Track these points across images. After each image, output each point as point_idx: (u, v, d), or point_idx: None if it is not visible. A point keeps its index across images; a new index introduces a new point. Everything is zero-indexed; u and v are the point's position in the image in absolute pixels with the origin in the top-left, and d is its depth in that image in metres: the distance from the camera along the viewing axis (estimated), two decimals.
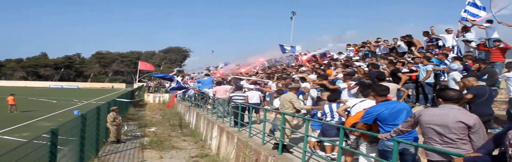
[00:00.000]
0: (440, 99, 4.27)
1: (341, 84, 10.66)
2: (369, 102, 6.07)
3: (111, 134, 14.80)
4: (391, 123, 5.04)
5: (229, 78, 21.14)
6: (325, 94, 9.43)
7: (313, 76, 13.24)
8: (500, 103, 9.35)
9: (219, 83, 16.75)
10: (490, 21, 11.86)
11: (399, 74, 10.34)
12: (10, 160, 5.17)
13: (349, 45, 19.69)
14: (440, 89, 4.74)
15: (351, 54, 19.06)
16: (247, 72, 25.28)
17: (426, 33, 14.48)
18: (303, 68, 16.97)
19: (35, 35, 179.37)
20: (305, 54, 21.65)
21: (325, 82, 11.10)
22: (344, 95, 10.09)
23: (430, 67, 10.25)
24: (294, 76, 14.62)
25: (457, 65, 9.14)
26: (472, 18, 12.44)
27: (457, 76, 8.92)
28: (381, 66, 11.94)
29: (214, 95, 15.69)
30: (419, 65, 10.77)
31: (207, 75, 21.70)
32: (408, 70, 10.93)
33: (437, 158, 4.06)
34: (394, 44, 15.75)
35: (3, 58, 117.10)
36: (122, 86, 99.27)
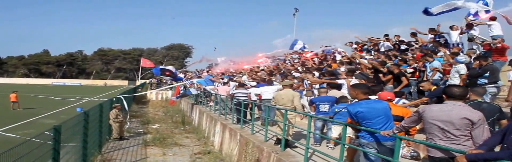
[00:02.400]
0: (445, 96, 4.28)
1: (340, 80, 10.67)
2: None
3: (114, 131, 14.85)
4: (369, 122, 5.16)
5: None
6: (323, 91, 9.45)
7: (315, 74, 13.29)
8: (502, 100, 9.32)
9: (225, 83, 16.79)
10: (493, 18, 11.79)
11: (403, 78, 10.28)
12: (14, 158, 5.18)
13: (351, 42, 19.59)
14: (446, 86, 4.76)
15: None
16: (250, 68, 25.25)
17: (430, 30, 14.41)
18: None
19: (36, 32, 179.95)
20: (310, 51, 21.51)
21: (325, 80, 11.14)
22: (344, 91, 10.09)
23: (436, 64, 10.19)
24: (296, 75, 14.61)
25: (464, 57, 9.07)
26: (473, 18, 12.42)
27: (462, 69, 8.85)
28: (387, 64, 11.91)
29: (215, 91, 15.70)
30: (426, 63, 10.69)
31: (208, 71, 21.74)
32: (412, 70, 10.88)
33: (439, 154, 4.07)
34: (396, 41, 15.69)
35: (5, 55, 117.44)
36: (124, 83, 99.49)
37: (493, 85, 8.16)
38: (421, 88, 8.85)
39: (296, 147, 8.38)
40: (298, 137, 9.32)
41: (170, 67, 22.17)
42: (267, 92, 11.84)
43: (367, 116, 5.16)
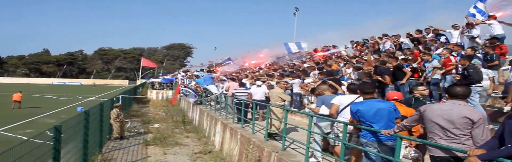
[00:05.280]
0: (447, 95, 4.29)
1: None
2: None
3: (115, 130, 14.85)
4: (369, 121, 5.18)
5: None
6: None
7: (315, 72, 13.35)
8: (501, 101, 9.32)
9: (233, 79, 16.57)
10: (494, 17, 11.75)
11: (404, 69, 10.25)
12: (14, 157, 5.18)
13: (352, 41, 19.52)
14: (449, 85, 4.77)
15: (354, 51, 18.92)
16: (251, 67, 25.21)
17: (428, 30, 14.38)
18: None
19: (37, 32, 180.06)
20: (322, 50, 21.24)
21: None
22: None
23: (435, 63, 10.16)
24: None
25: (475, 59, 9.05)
26: (475, 18, 12.36)
27: (490, 72, 8.80)
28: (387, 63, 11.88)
29: (226, 90, 15.47)
30: (426, 63, 10.63)
31: (209, 71, 21.60)
32: (409, 69, 10.84)
33: (439, 153, 4.06)
34: (397, 40, 15.63)
35: (5, 55, 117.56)
36: (125, 82, 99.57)
37: (478, 85, 8.22)
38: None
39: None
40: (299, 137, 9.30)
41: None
42: (257, 93, 12.54)
43: (367, 115, 5.18)
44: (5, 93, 30.04)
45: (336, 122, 6.61)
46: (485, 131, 3.93)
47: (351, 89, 6.75)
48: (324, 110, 7.05)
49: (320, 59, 18.51)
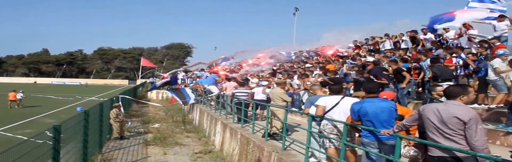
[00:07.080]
0: (444, 95, 4.30)
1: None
2: (351, 100, 6.22)
3: (114, 130, 14.83)
4: (370, 120, 5.17)
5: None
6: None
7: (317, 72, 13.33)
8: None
9: (229, 79, 16.57)
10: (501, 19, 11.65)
11: (404, 73, 10.23)
12: (13, 157, 5.16)
13: (355, 41, 19.48)
14: (448, 85, 4.78)
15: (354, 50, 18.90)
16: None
17: (425, 30, 14.36)
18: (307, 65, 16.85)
19: (36, 31, 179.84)
20: (329, 46, 21.05)
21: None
22: None
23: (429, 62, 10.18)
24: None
25: (503, 50, 8.95)
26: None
27: (496, 63, 8.67)
28: (383, 63, 11.88)
29: (223, 91, 15.45)
30: (421, 62, 10.62)
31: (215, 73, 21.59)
32: (411, 67, 10.83)
33: (438, 153, 4.05)
34: (399, 38, 15.64)
35: (4, 55, 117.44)
36: (124, 82, 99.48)
37: (447, 83, 8.26)
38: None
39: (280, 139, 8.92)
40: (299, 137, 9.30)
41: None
42: (259, 93, 12.45)
43: (369, 114, 5.16)
44: (6, 93, 29.92)
45: (323, 123, 6.59)
46: (479, 132, 3.87)
47: (333, 90, 6.74)
48: (313, 111, 7.04)
49: (330, 57, 18.42)
